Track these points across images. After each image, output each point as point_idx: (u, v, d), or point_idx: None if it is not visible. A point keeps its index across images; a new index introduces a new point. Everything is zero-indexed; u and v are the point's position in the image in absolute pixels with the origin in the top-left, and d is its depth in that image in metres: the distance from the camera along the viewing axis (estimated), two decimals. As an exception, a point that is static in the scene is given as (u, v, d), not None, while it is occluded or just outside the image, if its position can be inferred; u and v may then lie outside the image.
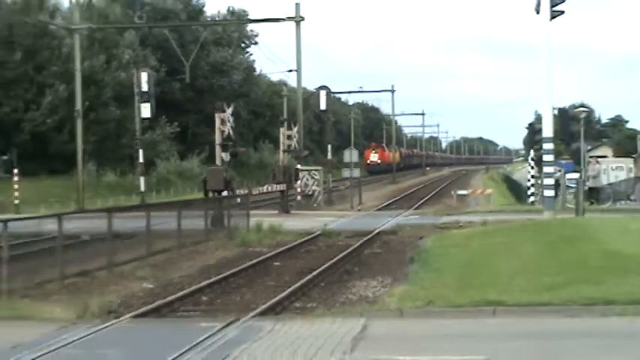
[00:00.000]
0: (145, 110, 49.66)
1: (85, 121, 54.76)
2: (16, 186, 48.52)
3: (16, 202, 47.02)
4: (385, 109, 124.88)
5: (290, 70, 63.09)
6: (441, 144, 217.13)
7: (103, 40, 67.44)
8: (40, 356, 12.30)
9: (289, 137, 52.11)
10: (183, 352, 12.27)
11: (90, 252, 23.87)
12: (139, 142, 53.94)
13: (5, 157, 55.59)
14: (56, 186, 54.76)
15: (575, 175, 43.07)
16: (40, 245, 23.29)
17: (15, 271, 19.02)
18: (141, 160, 53.60)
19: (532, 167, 50.77)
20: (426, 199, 60.76)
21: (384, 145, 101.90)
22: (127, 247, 25.00)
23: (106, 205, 34.17)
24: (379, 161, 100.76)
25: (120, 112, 65.46)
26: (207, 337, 13.42)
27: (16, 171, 49.26)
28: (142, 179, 53.29)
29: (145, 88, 48.90)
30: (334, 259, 24.59)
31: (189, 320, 16.36)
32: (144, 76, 49.66)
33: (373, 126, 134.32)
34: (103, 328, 14.62)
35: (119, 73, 67.64)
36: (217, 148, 42.37)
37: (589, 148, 49.05)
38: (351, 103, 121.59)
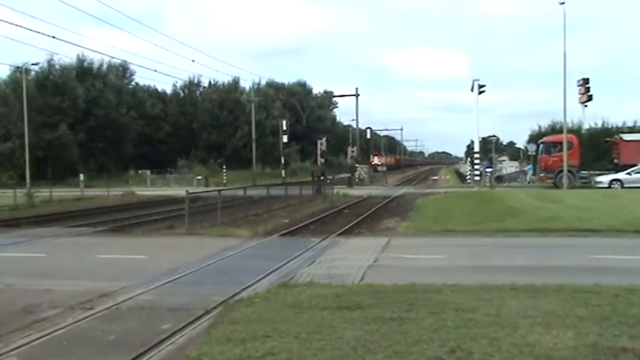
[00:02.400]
0: (284, 138, 55.16)
1: (256, 144, 60.14)
2: (224, 174, 53.84)
3: (224, 181, 51.67)
4: (398, 137, 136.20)
5: (353, 119, 67.74)
6: (424, 154, 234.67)
7: (264, 105, 73.60)
8: (235, 253, 13.47)
9: (352, 152, 58.25)
10: (303, 252, 13.27)
11: (258, 205, 25.36)
12: (282, 153, 57.40)
13: (219, 160, 62.60)
14: (243, 174, 57.56)
15: (490, 169, 44.64)
16: (236, 202, 24.65)
17: (224, 214, 20.72)
18: (282, 162, 57.18)
19: (469, 165, 53.66)
20: (417, 180, 61.84)
21: (382, 152, 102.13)
22: (275, 202, 26.90)
23: (266, 183, 37.42)
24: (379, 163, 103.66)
25: (273, 139, 70.13)
26: (313, 245, 14.54)
27: (224, 167, 55.64)
28: (283, 171, 56.71)
29: (284, 128, 55.09)
30: (373, 209, 25.96)
31: (305, 237, 16.72)
32: (283, 122, 56.05)
33: (392, 146, 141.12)
34: (264, 240, 15.85)
35: (272, 120, 73.06)
36: (318, 157, 48.53)
37: (497, 156, 50.62)
38: (382, 135, 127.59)
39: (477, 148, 42.74)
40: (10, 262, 12.57)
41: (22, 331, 7.04)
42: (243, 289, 9.28)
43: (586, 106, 44.43)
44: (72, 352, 6.31)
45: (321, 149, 54.74)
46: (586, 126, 45.47)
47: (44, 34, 34.73)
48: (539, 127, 62.37)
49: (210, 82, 76.90)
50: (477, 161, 43.07)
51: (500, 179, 47.37)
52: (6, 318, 7.70)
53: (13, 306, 8.35)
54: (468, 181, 49.88)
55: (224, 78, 77.44)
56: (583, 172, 37.73)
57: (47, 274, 10.95)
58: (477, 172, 43.02)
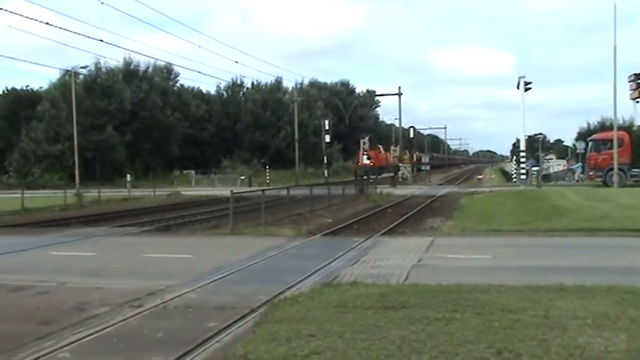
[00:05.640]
0: (327, 138, 54.25)
1: (299, 144, 60.55)
2: (267, 174, 53.86)
3: (267, 181, 51.60)
4: (442, 136, 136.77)
5: (396, 118, 66.94)
6: (469, 153, 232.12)
7: (307, 104, 73.52)
8: (279, 252, 13.45)
9: (395, 150, 57.19)
10: (346, 252, 13.23)
11: (301, 204, 25.15)
12: (324, 153, 56.92)
13: (262, 160, 63.04)
14: (286, 174, 57.86)
15: (536, 168, 43.82)
16: (279, 201, 24.63)
17: (267, 213, 20.44)
18: (325, 161, 56.49)
19: (515, 164, 52.50)
20: (461, 180, 60.88)
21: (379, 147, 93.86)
22: (318, 202, 26.39)
23: (309, 183, 37.28)
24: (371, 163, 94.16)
25: (315, 139, 69.99)
26: (356, 245, 14.40)
27: (267, 167, 55.80)
28: (325, 171, 55.99)
29: (326, 127, 54.26)
30: (417, 208, 25.93)
31: (348, 237, 16.68)
32: (326, 122, 55.35)
33: (436, 145, 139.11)
34: (307, 240, 15.81)
35: (314, 120, 72.99)
36: (361, 156, 47.83)
37: (543, 154, 49.57)
38: (425, 133, 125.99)
39: (523, 147, 42.21)
40: (62, 260, 12.91)
41: (73, 328, 7.23)
42: (288, 288, 9.30)
43: (637, 102, 43.26)
44: (122, 348, 6.45)
45: (364, 149, 54.78)
46: (637, 123, 44.33)
47: (92, 38, 35.50)
48: (588, 124, 61.26)
49: (253, 83, 78.00)
50: (523, 160, 42.45)
51: (547, 178, 46.50)
52: (59, 315, 7.93)
53: (65, 304, 8.59)
54: (514, 179, 49.18)
55: (267, 78, 78.27)
56: (634, 170, 36.84)
57: (97, 272, 11.23)
58: (523, 171, 42.42)
